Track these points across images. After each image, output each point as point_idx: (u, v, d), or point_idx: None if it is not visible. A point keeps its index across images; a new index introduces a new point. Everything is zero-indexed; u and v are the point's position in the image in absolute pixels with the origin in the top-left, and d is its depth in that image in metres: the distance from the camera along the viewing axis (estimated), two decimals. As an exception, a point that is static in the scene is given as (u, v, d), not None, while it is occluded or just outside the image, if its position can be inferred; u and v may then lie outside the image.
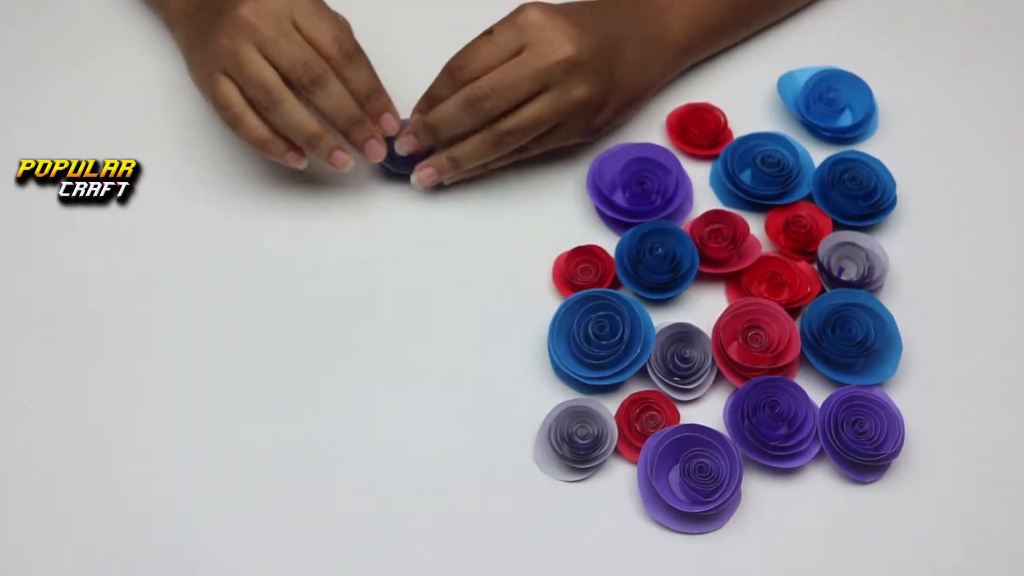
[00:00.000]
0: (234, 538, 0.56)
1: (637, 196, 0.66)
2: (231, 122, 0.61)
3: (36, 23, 0.74)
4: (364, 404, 0.61)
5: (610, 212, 0.66)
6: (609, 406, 0.60)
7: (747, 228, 0.64)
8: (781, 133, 0.68)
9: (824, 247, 0.63)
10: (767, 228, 0.66)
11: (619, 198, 0.66)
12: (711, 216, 0.65)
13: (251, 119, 0.60)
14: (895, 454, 0.57)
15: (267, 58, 0.60)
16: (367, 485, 0.58)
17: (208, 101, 0.62)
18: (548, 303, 0.64)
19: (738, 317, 0.61)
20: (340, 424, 0.60)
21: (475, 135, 0.63)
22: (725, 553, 0.56)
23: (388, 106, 0.63)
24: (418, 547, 0.57)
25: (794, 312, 0.63)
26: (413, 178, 0.65)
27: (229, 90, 0.60)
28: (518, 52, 0.61)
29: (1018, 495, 0.58)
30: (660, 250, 0.63)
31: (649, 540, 0.57)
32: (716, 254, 0.63)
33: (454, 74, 0.63)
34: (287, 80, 0.60)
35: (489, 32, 0.63)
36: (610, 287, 0.64)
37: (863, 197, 0.65)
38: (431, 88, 0.64)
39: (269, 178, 0.68)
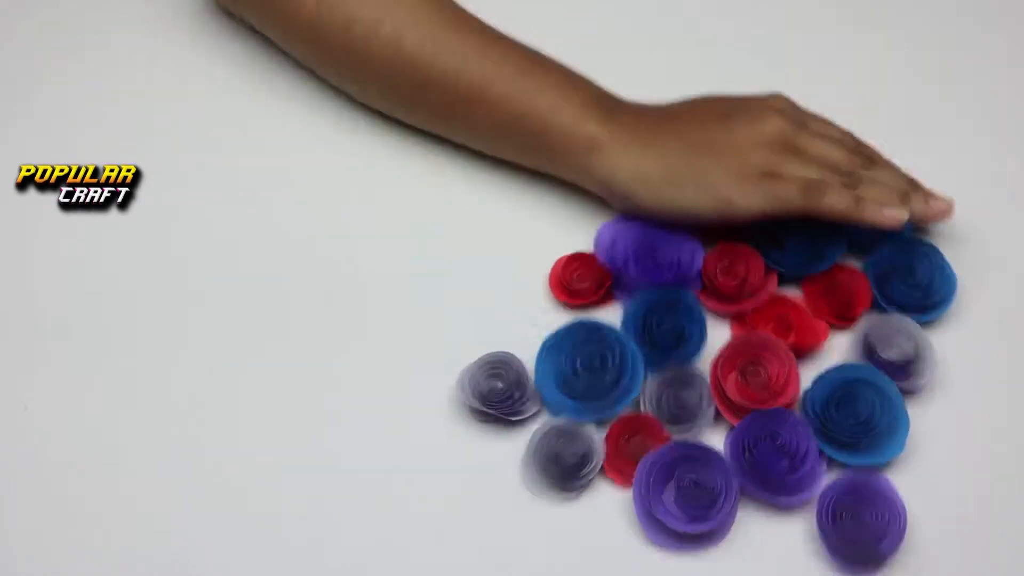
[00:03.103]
0: (236, 538, 0.56)
1: (649, 267, 0.63)
2: (815, 194, 0.60)
3: (35, 28, 0.74)
4: (363, 406, 0.60)
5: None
6: (599, 428, 0.59)
7: (762, 267, 0.63)
8: None
9: (871, 323, 0.61)
10: (805, 294, 0.64)
11: (630, 269, 0.64)
12: (726, 251, 0.63)
13: (839, 186, 0.60)
14: (893, 549, 0.55)
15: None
16: (359, 498, 0.58)
17: (751, 203, 0.60)
18: (547, 306, 0.63)
19: (737, 352, 0.59)
20: (335, 436, 0.59)
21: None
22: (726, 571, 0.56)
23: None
24: (409, 561, 0.56)
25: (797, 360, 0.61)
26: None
27: (788, 184, 0.60)
28: None
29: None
30: (669, 322, 0.61)
31: (646, 561, 0.56)
32: (727, 291, 0.62)
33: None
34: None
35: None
36: (605, 294, 0.63)
37: (920, 291, 0.63)
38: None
39: (269, 183, 0.68)
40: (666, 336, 0.60)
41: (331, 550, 0.56)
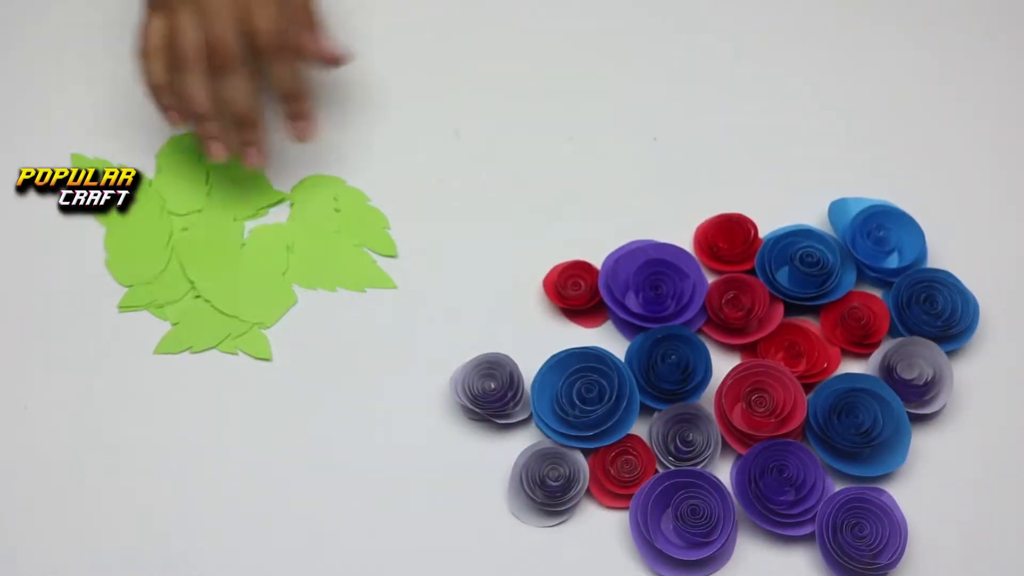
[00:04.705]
0: (233, 536, 0.56)
1: (651, 300, 0.62)
2: (140, 53, 0.62)
3: (35, 31, 0.73)
4: (358, 406, 0.60)
5: (622, 314, 0.62)
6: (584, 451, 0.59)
7: (767, 297, 0.61)
8: (810, 226, 0.65)
9: (890, 345, 0.60)
10: (823, 323, 0.62)
11: (632, 301, 0.62)
12: (730, 282, 0.62)
13: (157, 63, 0.61)
14: (892, 564, 0.55)
15: (201, 25, 0.60)
16: (354, 496, 0.58)
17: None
18: (542, 312, 0.63)
19: (742, 380, 0.58)
20: (333, 435, 0.59)
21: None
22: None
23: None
24: (405, 559, 0.56)
25: (808, 388, 0.59)
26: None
27: (157, 29, 0.61)
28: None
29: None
30: (673, 357, 0.59)
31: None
32: (733, 323, 0.60)
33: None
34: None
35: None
36: (599, 303, 0.63)
37: (942, 320, 0.61)
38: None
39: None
40: (671, 370, 0.59)
41: (327, 548, 0.56)
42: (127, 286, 0.63)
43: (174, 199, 0.66)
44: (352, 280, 0.64)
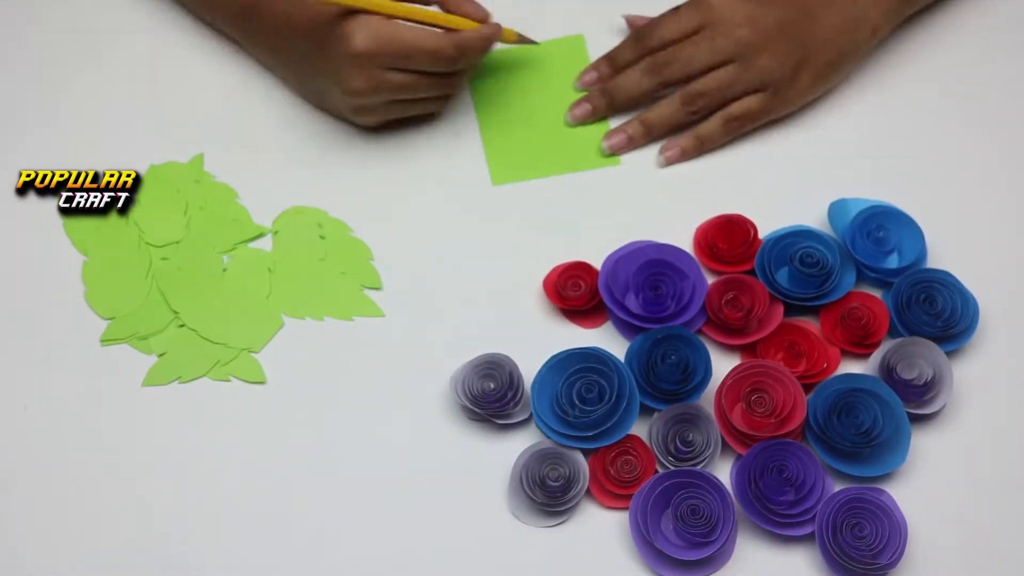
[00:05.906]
0: (233, 536, 0.57)
1: (651, 301, 0.62)
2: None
3: (36, 32, 0.73)
4: (358, 407, 0.61)
5: (622, 315, 0.62)
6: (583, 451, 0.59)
7: (767, 297, 0.61)
8: (810, 227, 0.64)
9: (890, 346, 0.60)
10: (823, 323, 0.62)
11: (632, 302, 0.62)
12: (730, 283, 0.62)
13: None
14: (892, 564, 0.55)
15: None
16: (356, 497, 0.58)
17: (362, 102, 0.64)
18: (542, 312, 0.63)
19: (742, 380, 0.58)
20: (333, 435, 0.60)
21: (665, 100, 0.68)
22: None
23: None
24: (404, 559, 0.56)
25: (808, 388, 0.59)
26: (604, 145, 0.68)
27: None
28: (699, 30, 0.67)
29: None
30: (673, 357, 0.59)
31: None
32: (733, 324, 0.60)
33: (639, 39, 0.69)
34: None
35: (675, 9, 0.69)
36: (598, 303, 0.63)
37: (941, 320, 0.61)
38: (615, 51, 0.70)
39: (267, 184, 0.67)
40: (671, 371, 0.59)
41: (326, 548, 0.57)
42: (108, 319, 0.62)
43: (152, 231, 0.65)
44: (339, 308, 0.63)
